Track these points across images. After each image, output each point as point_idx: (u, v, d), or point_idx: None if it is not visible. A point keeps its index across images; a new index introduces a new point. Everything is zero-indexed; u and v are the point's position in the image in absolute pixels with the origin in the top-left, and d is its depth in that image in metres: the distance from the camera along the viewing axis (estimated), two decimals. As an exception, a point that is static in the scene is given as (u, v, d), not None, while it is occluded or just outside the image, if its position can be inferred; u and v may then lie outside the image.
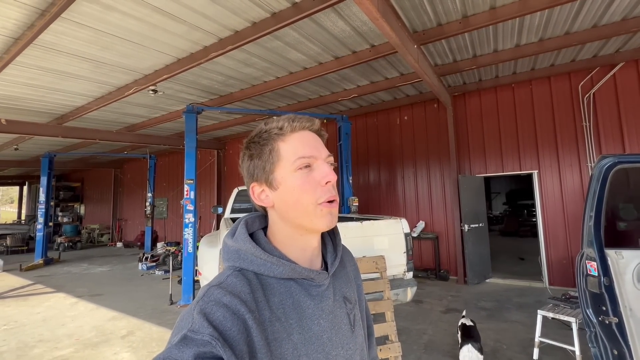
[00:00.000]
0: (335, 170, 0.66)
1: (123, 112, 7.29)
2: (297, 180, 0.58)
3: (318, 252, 0.65)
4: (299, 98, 6.94)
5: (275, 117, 0.63)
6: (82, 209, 17.28)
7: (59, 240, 12.65)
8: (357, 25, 4.12)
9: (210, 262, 3.09)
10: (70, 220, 16.08)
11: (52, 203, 10.65)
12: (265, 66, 5.21)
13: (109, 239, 14.79)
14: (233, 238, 0.62)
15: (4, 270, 8.65)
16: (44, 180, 10.01)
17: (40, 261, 9.32)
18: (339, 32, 4.28)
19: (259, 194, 0.63)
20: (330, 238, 0.71)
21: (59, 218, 15.78)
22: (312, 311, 0.58)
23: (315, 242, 0.63)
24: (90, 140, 8.50)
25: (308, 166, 0.59)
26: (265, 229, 0.66)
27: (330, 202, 0.59)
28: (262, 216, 0.68)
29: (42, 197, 9.99)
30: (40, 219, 9.82)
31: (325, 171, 0.59)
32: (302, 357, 0.53)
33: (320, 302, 0.60)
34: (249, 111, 6.89)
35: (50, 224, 10.58)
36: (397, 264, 3.31)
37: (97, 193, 16.52)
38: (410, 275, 3.39)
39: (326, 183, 0.59)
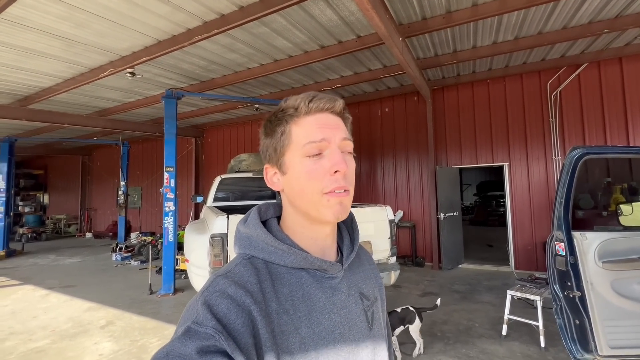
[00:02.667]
0: (355, 159, 0.61)
1: (95, 95, 6.90)
2: (305, 167, 0.55)
3: (331, 243, 0.62)
4: (282, 87, 6.88)
5: (296, 95, 0.58)
6: (45, 198, 16.26)
7: (21, 231, 11.88)
8: (345, 14, 4.14)
9: (197, 250, 3.08)
10: (33, 210, 15.12)
11: (12, 192, 9.96)
12: (250, 52, 5.12)
13: (77, 229, 14.07)
14: (245, 224, 0.61)
15: (-40, 263, 8.05)
16: (3, 166, 9.33)
17: (2, 252, 8.76)
18: (327, 21, 4.29)
19: (272, 177, 0.60)
20: (347, 231, 0.68)
21: (20, 208, 14.79)
22: (323, 304, 0.55)
23: (327, 231, 0.60)
24: (57, 125, 7.98)
25: (318, 153, 0.55)
26: (279, 218, 0.64)
27: (339, 192, 0.54)
28: (277, 205, 0.66)
29: (1, 185, 9.32)
30: (0, 209, 9.18)
31: (335, 159, 0.54)
32: (311, 351, 0.51)
33: (332, 296, 0.57)
34: (230, 98, 6.75)
35: (11, 213, 9.93)
36: (382, 249, 3.47)
37: (62, 181, 15.57)
38: (394, 259, 3.56)
39: (335, 172, 0.54)
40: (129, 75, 5.40)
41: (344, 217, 0.56)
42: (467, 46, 5.21)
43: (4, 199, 9.23)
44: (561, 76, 5.95)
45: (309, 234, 0.59)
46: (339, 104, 0.60)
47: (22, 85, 6.10)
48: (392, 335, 2.74)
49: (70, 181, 15.07)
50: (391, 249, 3.55)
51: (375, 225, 3.44)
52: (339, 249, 0.65)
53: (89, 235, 13.18)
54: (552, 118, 5.98)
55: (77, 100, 7.20)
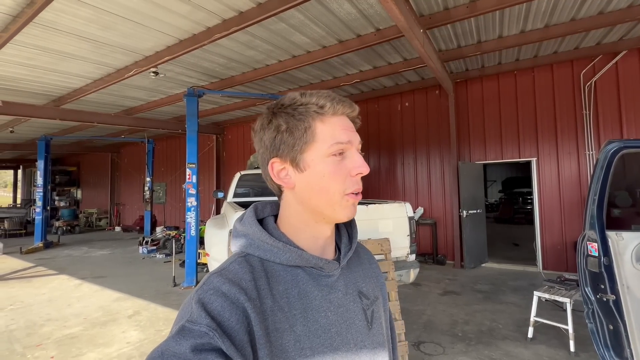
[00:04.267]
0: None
1: (122, 94, 7.19)
2: (329, 166, 0.55)
3: (331, 241, 0.62)
4: (301, 82, 6.88)
5: (312, 91, 0.58)
6: (78, 193, 17.20)
7: (57, 224, 12.64)
8: (363, 7, 4.07)
9: (218, 244, 3.15)
10: (67, 204, 16.04)
11: (48, 187, 10.63)
12: (268, 49, 5.14)
13: (107, 223, 14.81)
14: (241, 222, 0.61)
15: (4, 253, 8.67)
16: (41, 163, 9.92)
17: (40, 244, 9.35)
18: (345, 15, 4.22)
19: (279, 172, 0.58)
20: (346, 229, 0.68)
21: (56, 202, 15.72)
22: (319, 302, 0.55)
23: (329, 231, 0.60)
24: (87, 124, 8.40)
25: (341, 153, 0.56)
26: (276, 216, 0.63)
27: (355, 194, 0.56)
28: (274, 203, 0.65)
29: (39, 180, 9.93)
30: (39, 203, 9.79)
31: (358, 162, 0.56)
32: (306, 350, 0.50)
33: (329, 294, 0.57)
34: (249, 95, 6.83)
35: (48, 207, 10.56)
36: (401, 246, 3.40)
37: (93, 177, 16.42)
38: (413, 257, 3.49)
39: (356, 174, 0.56)
40: (152, 74, 5.58)
41: (353, 217, 0.58)
42: (493, 36, 4.98)
43: (41, 193, 9.83)
44: (596, 65, 5.57)
45: (312, 232, 0.59)
46: (357, 110, 0.61)
47: (55, 86, 6.45)
48: None
49: (100, 177, 15.86)
50: (410, 246, 3.48)
51: (394, 222, 3.38)
52: (337, 247, 0.65)
53: (117, 228, 13.84)
54: (585, 110, 5.63)
55: (105, 100, 7.53)
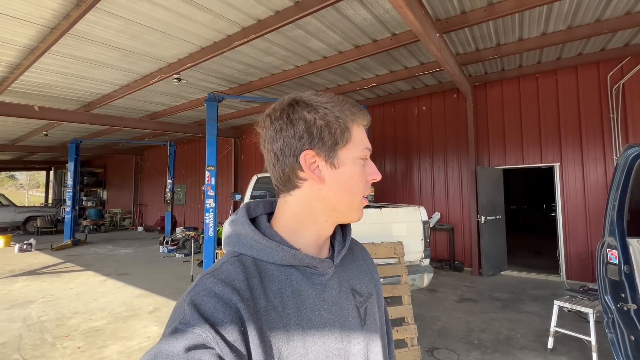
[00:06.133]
0: (380, 169, 0.65)
1: (146, 100, 7.52)
2: (358, 168, 0.58)
3: (327, 240, 0.63)
4: (317, 87, 6.97)
5: (340, 98, 0.60)
6: (104, 194, 18.00)
7: (84, 223, 13.27)
8: (379, 13, 4.11)
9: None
10: (94, 204, 16.81)
11: (77, 187, 11.20)
12: (285, 55, 5.26)
13: (131, 223, 15.39)
14: (233, 222, 0.60)
15: (36, 249, 9.20)
16: (71, 165, 10.47)
17: (69, 242, 9.86)
18: (361, 21, 4.28)
19: (311, 164, 0.56)
20: (340, 228, 0.68)
21: (84, 202, 16.51)
22: (312, 301, 0.55)
23: (331, 231, 0.61)
24: (114, 127, 8.82)
25: (365, 158, 0.60)
26: (270, 215, 0.63)
27: (366, 198, 0.61)
28: (267, 202, 0.65)
29: (69, 181, 10.48)
30: (68, 202, 10.33)
31: (375, 169, 0.61)
32: (299, 348, 0.50)
33: (323, 292, 0.57)
34: (267, 100, 6.98)
35: (77, 207, 11.12)
36: (415, 250, 3.39)
37: (119, 179, 17.14)
38: (427, 262, 3.46)
39: (371, 180, 0.60)
40: (175, 80, 5.83)
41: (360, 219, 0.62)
42: (512, 39, 4.89)
43: (71, 194, 10.37)
44: (624, 67, 5.35)
45: (316, 231, 0.59)
46: (369, 120, 0.65)
47: (86, 92, 6.84)
48: None
49: (125, 179, 16.55)
50: (424, 250, 3.45)
51: (408, 226, 3.37)
52: (332, 245, 0.66)
53: (140, 228, 14.36)
54: (612, 114, 5.40)
55: (131, 105, 7.91)
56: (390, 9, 3.96)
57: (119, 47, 4.76)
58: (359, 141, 0.59)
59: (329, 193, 0.57)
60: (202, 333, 0.43)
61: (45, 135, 10.58)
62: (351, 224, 0.67)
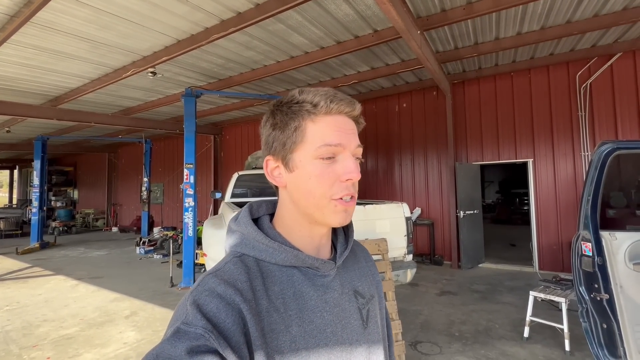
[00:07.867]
0: (362, 165, 0.60)
1: (119, 94, 7.17)
2: (316, 169, 0.53)
3: (327, 241, 0.61)
4: (299, 83, 6.89)
5: (312, 89, 0.56)
6: (75, 194, 17.12)
7: (53, 224, 12.58)
8: (361, 9, 4.09)
9: (215, 245, 3.16)
10: (64, 204, 15.96)
11: (45, 187, 10.59)
12: (266, 50, 5.15)
13: (104, 223, 14.74)
14: (236, 222, 0.60)
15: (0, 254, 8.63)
16: (37, 163, 9.87)
17: (37, 245, 9.30)
18: (343, 16, 4.24)
19: (272, 170, 0.58)
20: (342, 228, 0.66)
21: (52, 202, 15.64)
22: (314, 302, 0.54)
23: (324, 231, 0.59)
24: (85, 124, 8.37)
25: (332, 157, 0.54)
26: (272, 215, 0.62)
27: (347, 200, 0.54)
28: (270, 202, 0.64)
29: (35, 180, 9.88)
30: (35, 203, 9.74)
31: (349, 167, 0.53)
32: (301, 350, 0.50)
33: (325, 294, 0.56)
34: (247, 95, 6.83)
35: (44, 208, 10.51)
36: (398, 246, 3.42)
37: (90, 177, 16.35)
38: (410, 257, 3.51)
39: (347, 180, 0.54)
40: (150, 74, 5.58)
41: (347, 222, 0.56)
42: (490, 38, 5.02)
43: (38, 194, 9.77)
44: (592, 67, 5.63)
45: (307, 232, 0.58)
46: (358, 108, 0.57)
47: (52, 86, 6.43)
48: None
49: (97, 177, 15.80)
50: (407, 246, 3.50)
51: (391, 223, 3.40)
52: (334, 246, 0.64)
53: (115, 229, 13.78)
54: (581, 112, 5.68)
55: (102, 100, 7.51)
56: (372, 4, 3.95)
57: (88, 38, 4.48)
58: (316, 138, 0.53)
59: (294, 196, 0.57)
60: (205, 334, 0.43)
61: (8, 131, 9.89)
62: (353, 225, 0.66)
